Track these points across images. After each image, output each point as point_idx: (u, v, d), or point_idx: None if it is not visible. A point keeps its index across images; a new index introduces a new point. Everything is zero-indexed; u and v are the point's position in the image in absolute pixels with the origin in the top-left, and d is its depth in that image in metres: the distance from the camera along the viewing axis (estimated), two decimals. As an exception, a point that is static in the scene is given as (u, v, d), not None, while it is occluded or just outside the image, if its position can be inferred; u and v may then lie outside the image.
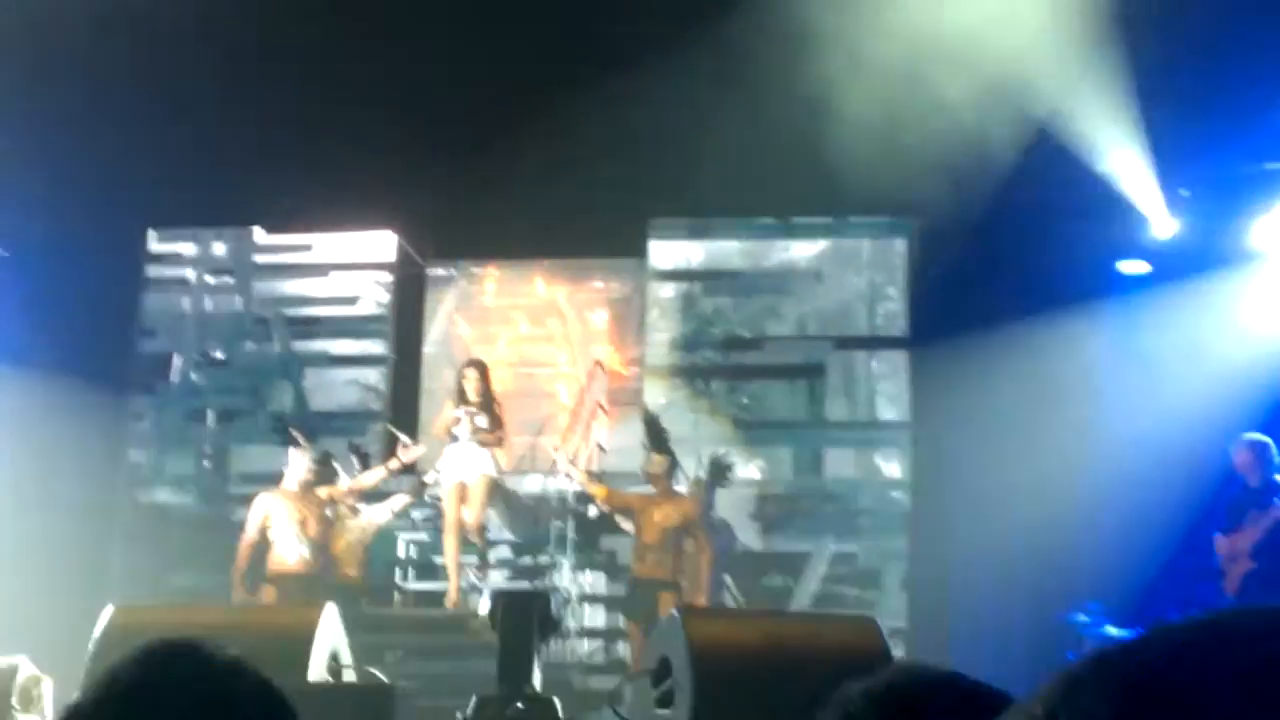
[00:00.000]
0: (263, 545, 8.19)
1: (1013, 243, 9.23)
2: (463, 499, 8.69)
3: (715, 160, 9.44)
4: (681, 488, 8.76)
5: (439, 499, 9.04)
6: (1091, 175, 9.01)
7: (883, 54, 8.59)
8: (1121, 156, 8.94)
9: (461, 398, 8.77)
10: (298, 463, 8.30)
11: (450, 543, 8.73)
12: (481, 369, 8.91)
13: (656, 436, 8.69)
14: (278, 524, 8.13)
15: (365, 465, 8.83)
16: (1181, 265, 9.09)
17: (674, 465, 8.62)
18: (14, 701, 5.32)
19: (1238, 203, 8.95)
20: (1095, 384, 9.16)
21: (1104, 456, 8.77)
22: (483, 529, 8.82)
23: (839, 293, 9.97)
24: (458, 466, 8.74)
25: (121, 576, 9.89)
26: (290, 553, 8.09)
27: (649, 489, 8.58)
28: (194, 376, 10.37)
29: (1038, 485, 8.90)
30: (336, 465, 8.70)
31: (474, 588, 8.75)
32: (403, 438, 8.90)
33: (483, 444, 8.74)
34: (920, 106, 8.98)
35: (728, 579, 8.91)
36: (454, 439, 8.78)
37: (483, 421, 8.68)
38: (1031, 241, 9.19)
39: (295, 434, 8.50)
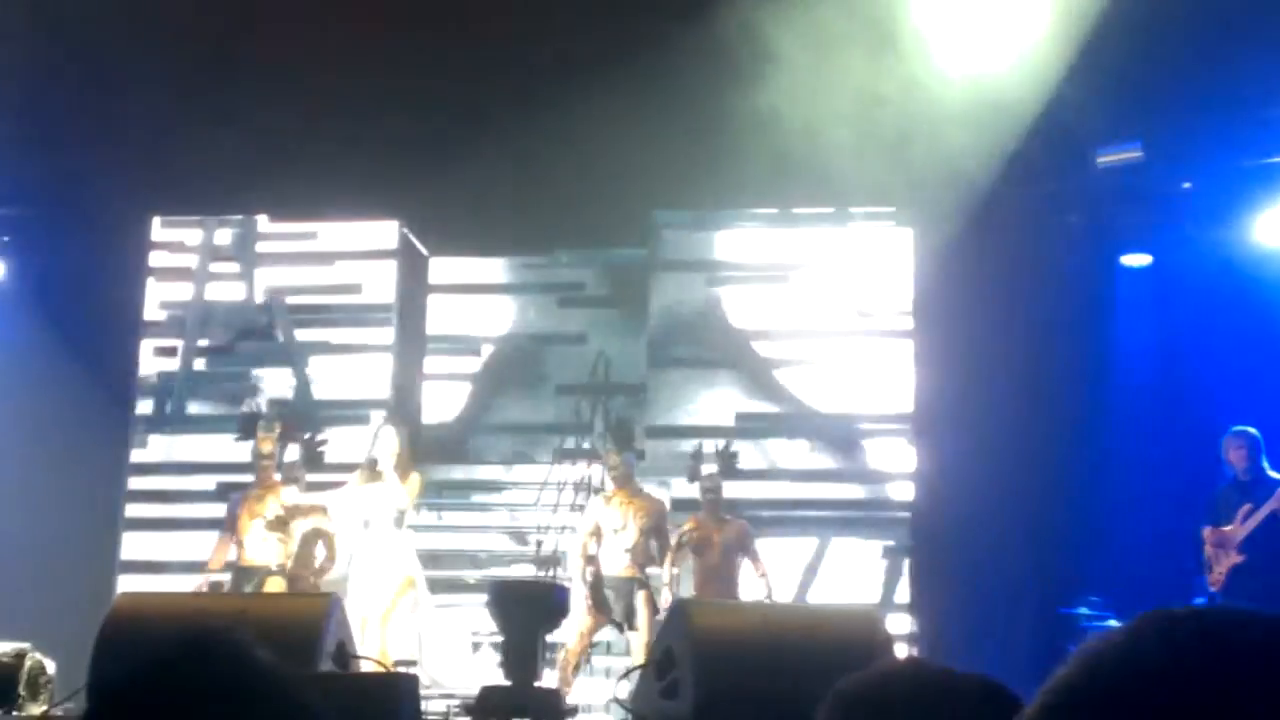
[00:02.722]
0: (233, 539, 8.25)
1: (1016, 235, 9.25)
2: (379, 601, 7.74)
3: (719, 152, 9.47)
4: (648, 488, 8.81)
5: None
6: (1094, 167, 9.03)
7: (883, 47, 8.61)
8: (1123, 148, 8.95)
9: (372, 467, 7.96)
10: (267, 454, 8.30)
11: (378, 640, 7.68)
12: (399, 429, 8.15)
13: (622, 435, 8.66)
14: (246, 518, 8.15)
15: (311, 456, 8.37)
16: (1184, 258, 9.12)
17: (632, 465, 8.60)
18: (21, 690, 5.35)
19: (1240, 197, 8.96)
20: (1098, 376, 9.18)
21: (1106, 449, 8.80)
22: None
23: (841, 284, 9.98)
24: (372, 561, 7.86)
25: (123, 563, 9.95)
26: (254, 548, 8.13)
27: (619, 493, 8.46)
28: (198, 364, 10.40)
29: (1041, 477, 8.94)
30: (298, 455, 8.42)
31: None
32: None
33: (398, 525, 7.95)
34: (919, 98, 9.00)
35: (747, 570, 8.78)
36: (365, 525, 7.92)
37: (396, 499, 7.90)
38: (1035, 234, 9.22)
39: (261, 427, 8.44)
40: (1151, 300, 9.27)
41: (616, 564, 8.29)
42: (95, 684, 5.06)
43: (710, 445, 8.68)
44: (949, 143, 9.00)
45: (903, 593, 9.35)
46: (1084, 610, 7.88)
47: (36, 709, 5.12)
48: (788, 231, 10.16)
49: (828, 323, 9.93)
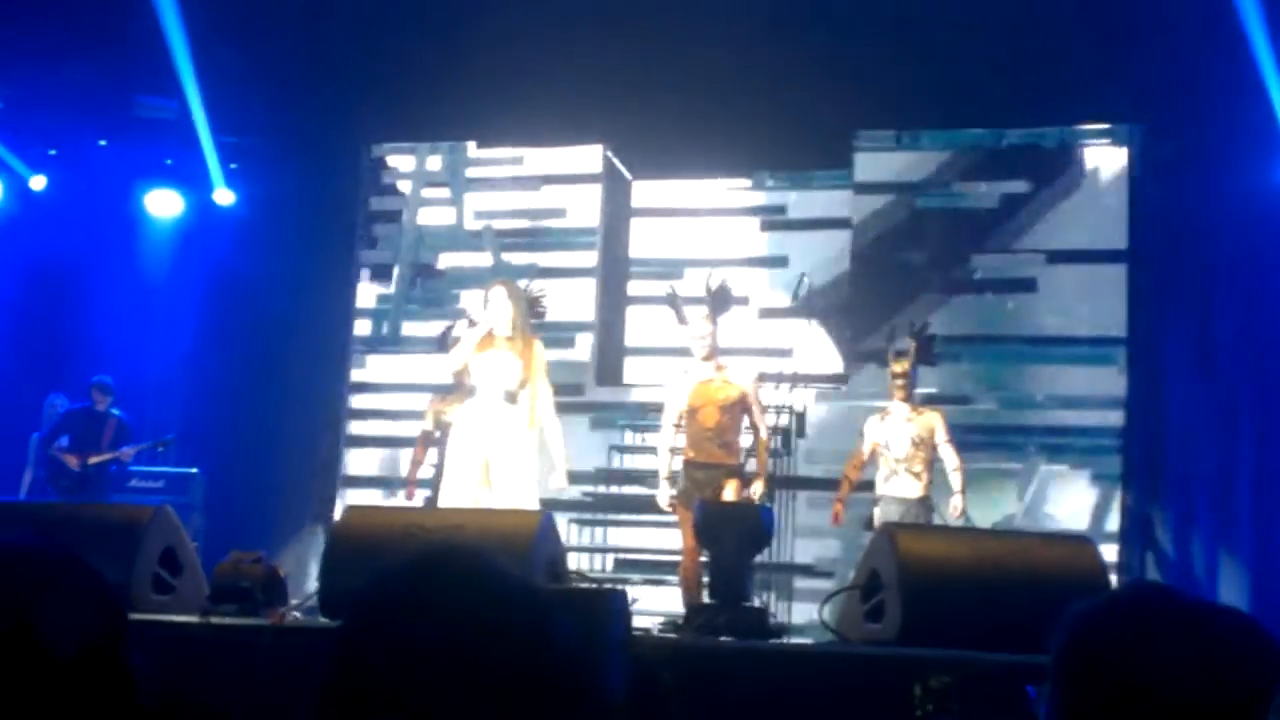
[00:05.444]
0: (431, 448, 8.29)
1: (1241, 151, 8.81)
2: (484, 480, 6.75)
3: (925, 70, 9.25)
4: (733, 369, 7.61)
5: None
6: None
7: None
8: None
9: (488, 334, 6.86)
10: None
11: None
12: (513, 291, 6.99)
13: (720, 301, 7.54)
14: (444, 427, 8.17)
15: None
16: None
17: (716, 338, 7.45)
18: (259, 595, 5.66)
19: None
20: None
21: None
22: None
23: (1053, 204, 9.69)
24: (474, 430, 6.82)
25: (346, 478, 10.40)
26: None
27: (699, 370, 7.47)
28: (412, 286, 10.75)
29: (1263, 402, 8.58)
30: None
31: None
32: None
33: (510, 400, 6.82)
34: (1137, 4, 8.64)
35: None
36: (470, 391, 7.00)
37: (507, 368, 6.84)
38: (1265, 149, 8.76)
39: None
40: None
41: (700, 449, 7.34)
42: (331, 591, 5.35)
43: (905, 329, 8.14)
44: (1174, 54, 8.61)
45: (1113, 521, 9.14)
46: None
47: (273, 613, 5.42)
48: (995, 151, 9.89)
49: (1036, 244, 9.67)
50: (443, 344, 8.59)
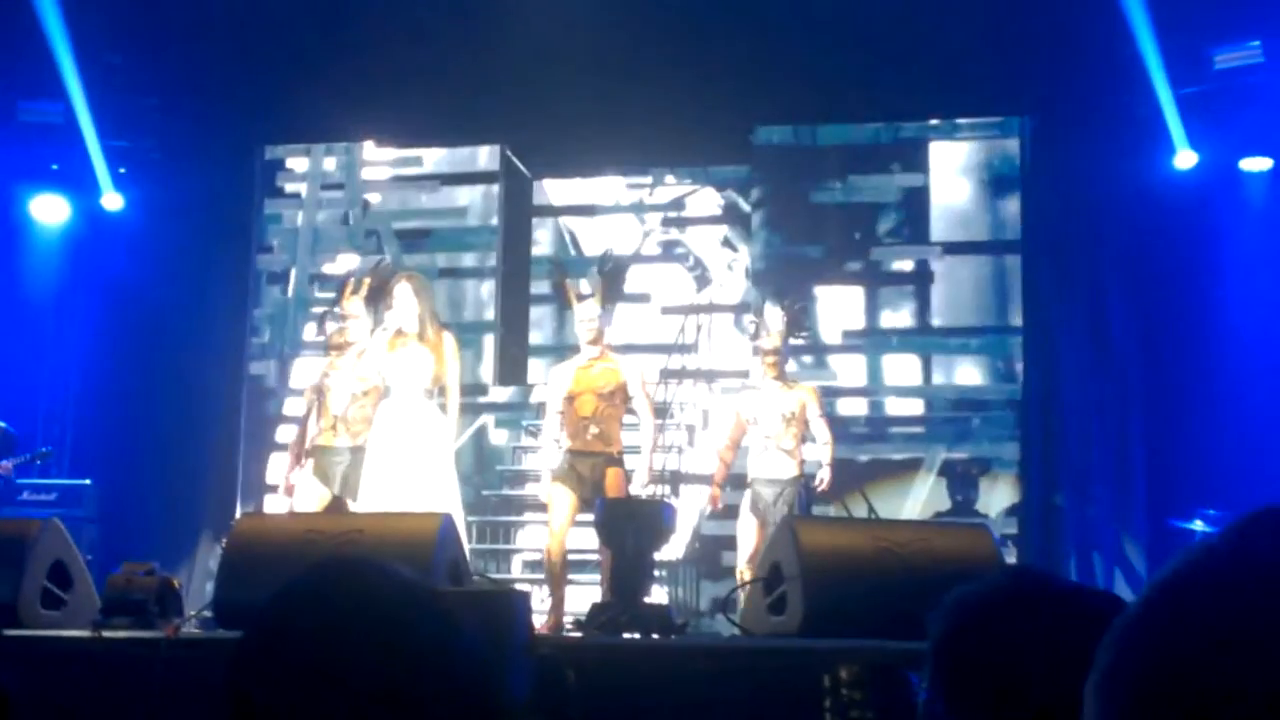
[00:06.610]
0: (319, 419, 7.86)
1: (1128, 141, 9.00)
2: (407, 479, 6.59)
3: (821, 65, 9.32)
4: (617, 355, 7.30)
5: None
6: (1213, 68, 8.73)
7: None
8: (1242, 48, 8.64)
9: (397, 331, 6.77)
10: (353, 313, 7.53)
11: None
12: (418, 286, 6.91)
13: (611, 282, 7.28)
14: (337, 388, 7.51)
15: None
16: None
17: (606, 321, 7.17)
18: (152, 606, 5.54)
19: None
20: (1218, 283, 8.92)
21: (1228, 359, 8.59)
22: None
23: (947, 196, 9.82)
24: (394, 431, 6.71)
25: (244, 486, 10.22)
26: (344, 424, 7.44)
27: (583, 354, 7.18)
28: (309, 290, 10.59)
29: (1155, 389, 8.77)
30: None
31: None
32: None
33: (428, 397, 6.76)
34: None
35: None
36: (386, 393, 6.86)
37: (419, 362, 6.76)
38: (1150, 139, 8.96)
39: (351, 286, 7.66)
40: (1273, 206, 8.98)
41: (581, 434, 6.97)
42: (227, 600, 5.24)
43: (773, 305, 7.79)
44: (1061, 48, 8.77)
45: (1012, 507, 9.28)
46: (1198, 525, 7.75)
47: (167, 625, 5.31)
48: (891, 145, 10.00)
49: (932, 236, 9.80)
50: (324, 335, 8.41)
